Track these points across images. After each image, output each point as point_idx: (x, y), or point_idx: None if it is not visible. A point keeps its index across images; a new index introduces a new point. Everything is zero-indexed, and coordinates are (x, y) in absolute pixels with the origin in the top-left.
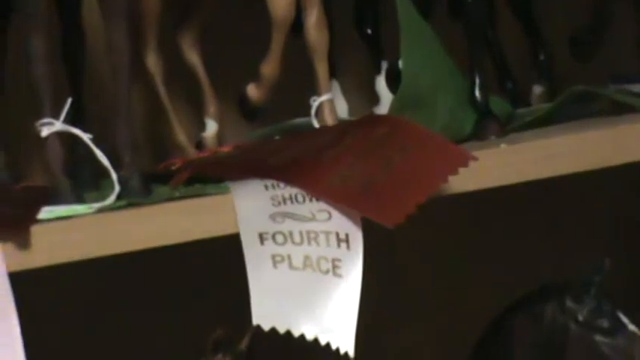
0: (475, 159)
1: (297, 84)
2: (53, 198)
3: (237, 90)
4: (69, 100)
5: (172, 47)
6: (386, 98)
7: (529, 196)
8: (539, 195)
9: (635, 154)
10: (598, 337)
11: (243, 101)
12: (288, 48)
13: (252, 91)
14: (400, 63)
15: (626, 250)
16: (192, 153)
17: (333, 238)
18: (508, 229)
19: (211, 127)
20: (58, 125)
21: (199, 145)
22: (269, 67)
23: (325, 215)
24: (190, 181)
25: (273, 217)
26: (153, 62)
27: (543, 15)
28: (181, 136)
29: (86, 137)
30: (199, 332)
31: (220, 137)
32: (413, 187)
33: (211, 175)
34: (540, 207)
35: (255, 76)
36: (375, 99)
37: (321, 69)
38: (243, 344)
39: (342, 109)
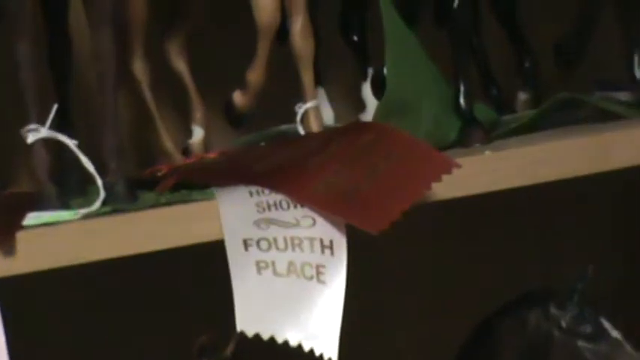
0: (459, 166)
1: (284, 91)
2: (39, 204)
3: (224, 97)
4: (55, 107)
5: (159, 54)
6: (372, 105)
7: (514, 203)
8: (525, 202)
9: (620, 161)
10: (581, 343)
11: (229, 108)
12: (273, 55)
13: (238, 97)
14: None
15: (614, 255)
16: (178, 159)
17: (317, 245)
18: (493, 236)
19: (198, 134)
20: (44, 131)
21: (186, 151)
22: (254, 74)
23: (309, 221)
24: (176, 188)
25: (257, 223)
26: (139, 69)
27: (528, 22)
28: (168, 143)
29: (72, 143)
30: (184, 338)
31: (207, 144)
32: (397, 194)
33: (197, 181)
34: (525, 214)
35: (241, 83)
36: (361, 106)
37: (307, 76)
38: (228, 350)
39: (328, 116)
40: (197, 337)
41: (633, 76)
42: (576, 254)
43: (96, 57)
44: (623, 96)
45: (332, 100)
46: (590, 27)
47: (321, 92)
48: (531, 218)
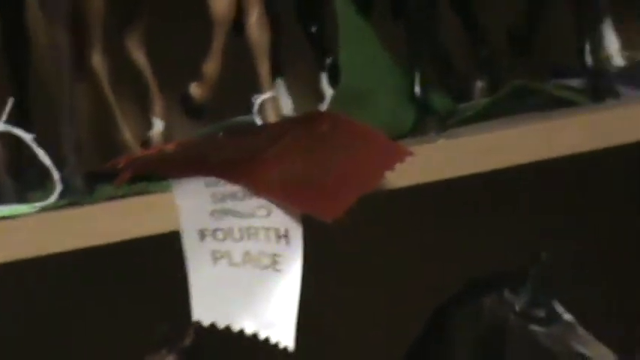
0: (411, 154)
1: (245, 82)
2: None
3: (183, 89)
4: (11, 101)
5: (118, 48)
6: (330, 96)
7: (468, 191)
8: (478, 190)
9: (571, 147)
10: (534, 327)
11: (185, 100)
12: (232, 46)
13: (195, 89)
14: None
15: (565, 243)
16: (137, 151)
17: (272, 234)
18: (448, 224)
19: (157, 126)
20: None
21: (145, 143)
22: (210, 66)
23: (265, 211)
24: (134, 180)
25: (213, 213)
26: (98, 63)
27: (483, 10)
28: (127, 135)
29: (28, 137)
30: (142, 329)
31: (167, 136)
32: (350, 183)
33: (155, 173)
34: (479, 202)
35: (199, 76)
36: (321, 96)
37: (263, 67)
38: (187, 340)
39: (287, 107)
40: (155, 327)
41: (584, 63)
42: (531, 241)
43: (52, 51)
44: (577, 83)
45: (292, 91)
46: (540, 12)
47: (280, 83)
48: (485, 206)
